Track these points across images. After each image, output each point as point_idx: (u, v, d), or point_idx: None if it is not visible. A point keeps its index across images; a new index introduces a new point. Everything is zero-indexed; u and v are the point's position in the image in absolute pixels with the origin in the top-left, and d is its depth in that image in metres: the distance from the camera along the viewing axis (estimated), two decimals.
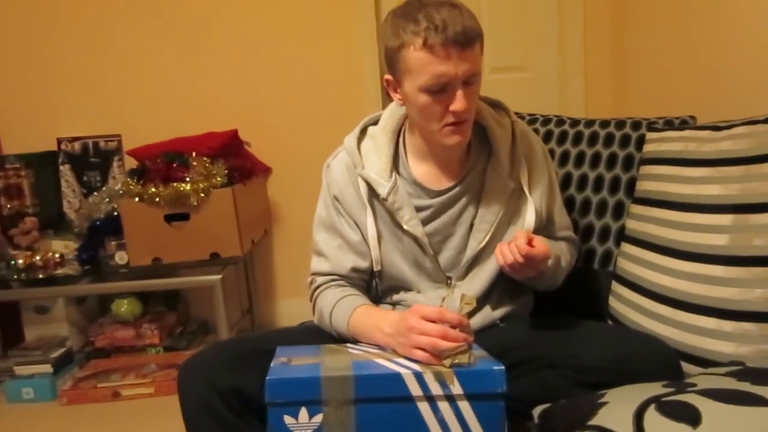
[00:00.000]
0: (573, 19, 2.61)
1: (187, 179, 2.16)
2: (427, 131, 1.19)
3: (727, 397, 0.78)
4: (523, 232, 1.11)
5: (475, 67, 1.10)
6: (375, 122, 1.31)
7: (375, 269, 1.25)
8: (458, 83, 1.09)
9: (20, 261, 2.31)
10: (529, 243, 1.09)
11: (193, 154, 2.22)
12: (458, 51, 1.06)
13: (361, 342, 1.17)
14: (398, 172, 1.24)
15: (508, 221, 1.23)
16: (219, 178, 2.18)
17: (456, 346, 0.97)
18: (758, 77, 1.53)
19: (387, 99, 1.26)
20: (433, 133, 1.17)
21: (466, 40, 1.06)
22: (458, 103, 1.09)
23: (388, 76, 1.19)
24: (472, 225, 1.23)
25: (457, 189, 1.23)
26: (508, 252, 1.09)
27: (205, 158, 2.21)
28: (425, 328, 1.00)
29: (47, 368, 2.27)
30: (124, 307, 2.46)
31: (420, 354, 1.00)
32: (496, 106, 1.31)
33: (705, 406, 0.77)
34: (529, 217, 1.23)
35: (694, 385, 0.85)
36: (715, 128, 1.19)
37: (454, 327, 1.00)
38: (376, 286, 1.29)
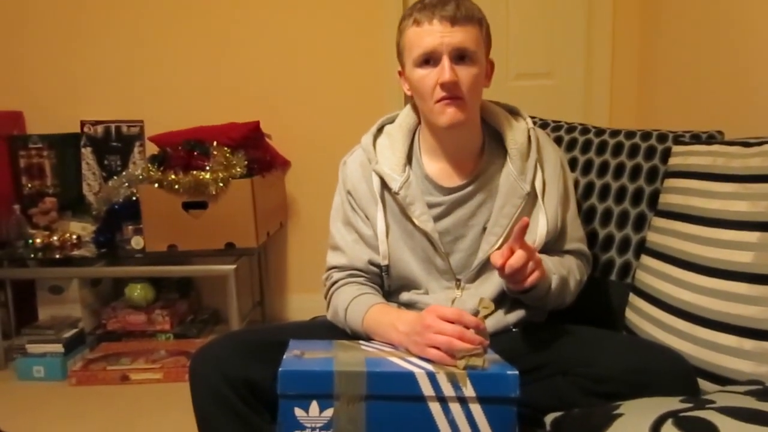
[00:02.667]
0: (601, 28, 2.59)
1: (207, 168, 2.17)
2: (427, 117, 1.21)
3: (746, 416, 0.76)
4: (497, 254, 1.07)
5: (465, 42, 1.12)
6: (392, 121, 1.33)
7: (383, 263, 1.25)
8: (444, 55, 1.12)
9: (38, 240, 2.34)
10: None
11: (214, 143, 2.23)
12: (445, 25, 1.11)
13: (374, 339, 1.16)
14: (411, 168, 1.25)
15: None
16: (238, 169, 2.19)
17: (471, 348, 0.97)
18: None
19: (408, 98, 1.28)
20: (429, 114, 1.19)
21: (455, 16, 1.11)
22: (444, 74, 1.11)
23: (399, 69, 1.24)
24: (485, 228, 1.22)
25: (469, 188, 1.23)
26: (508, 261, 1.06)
27: (225, 148, 2.22)
28: (442, 328, 1.00)
29: (59, 348, 2.30)
30: (137, 292, 2.48)
31: (434, 353, 0.99)
32: (513, 112, 1.31)
33: (724, 423, 0.75)
34: (541, 224, 1.22)
35: (713, 402, 0.83)
36: (745, 144, 1.17)
37: (469, 329, 1.00)
38: (387, 284, 1.29)
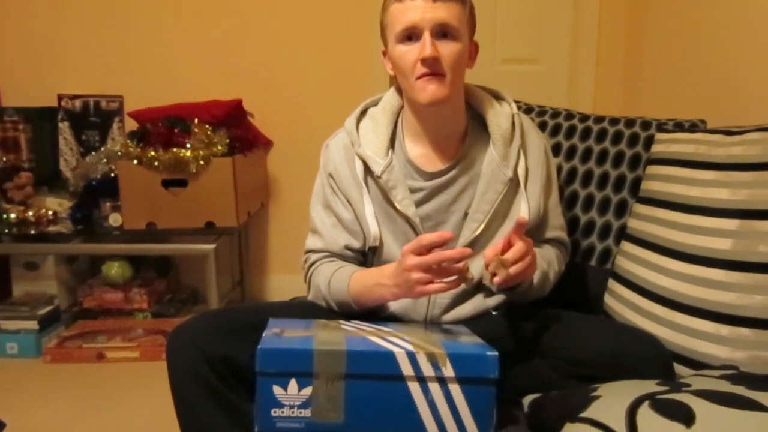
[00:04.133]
0: (588, 15, 2.59)
1: (188, 145, 2.14)
2: (409, 95, 1.20)
3: (722, 399, 0.77)
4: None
5: (447, 18, 1.12)
6: (376, 104, 1.32)
7: (372, 245, 1.24)
8: (426, 31, 1.11)
9: (12, 215, 2.29)
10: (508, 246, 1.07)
11: (196, 120, 2.20)
12: (427, 1, 1.11)
13: (365, 306, 1.18)
14: (394, 152, 1.24)
15: (504, 213, 1.22)
16: (220, 147, 2.16)
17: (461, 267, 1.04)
18: (766, 85, 1.52)
19: (392, 80, 1.26)
20: (410, 91, 1.18)
21: None
22: (426, 49, 1.11)
23: (383, 49, 1.24)
24: (466, 214, 1.22)
25: (451, 172, 1.22)
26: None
27: (207, 126, 2.18)
28: (423, 261, 1.03)
29: (33, 325, 2.26)
30: (114, 270, 2.45)
31: (437, 287, 1.04)
32: (497, 96, 1.30)
33: (699, 406, 0.76)
34: (523, 211, 1.22)
35: (689, 385, 0.85)
36: (727, 132, 1.18)
37: (440, 246, 1.05)
38: (370, 264, 1.28)
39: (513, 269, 1.03)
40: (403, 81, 1.19)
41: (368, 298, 1.17)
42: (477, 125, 1.26)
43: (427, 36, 1.11)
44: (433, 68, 1.12)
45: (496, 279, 1.03)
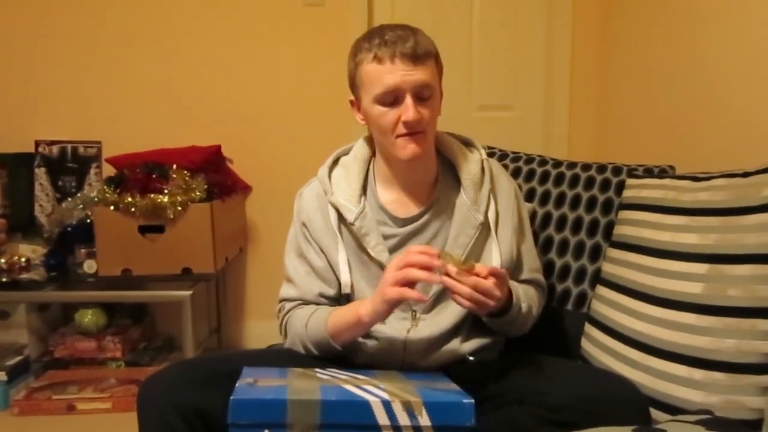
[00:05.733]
0: (560, 62, 2.67)
1: (166, 191, 2.13)
2: (386, 149, 1.22)
3: None
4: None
5: (426, 80, 1.14)
6: (347, 153, 1.34)
7: (344, 292, 1.24)
8: (407, 94, 1.13)
9: None
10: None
11: (174, 166, 2.19)
12: (407, 64, 1.12)
13: (343, 341, 1.18)
14: (366, 199, 1.25)
15: (476, 258, 1.23)
16: (198, 193, 2.15)
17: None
18: (731, 133, 1.57)
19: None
20: (389, 147, 1.19)
21: (415, 54, 1.12)
22: (408, 113, 1.13)
23: (351, 98, 1.25)
24: None
25: (423, 218, 1.24)
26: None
27: (185, 171, 2.18)
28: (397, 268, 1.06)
29: (2, 376, 2.19)
30: (87, 318, 2.39)
31: (410, 288, 1.06)
32: (467, 143, 1.33)
33: None
34: (494, 255, 1.23)
35: (664, 431, 0.84)
36: (695, 179, 1.21)
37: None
38: None
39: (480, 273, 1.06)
40: (381, 137, 1.20)
41: (347, 330, 1.17)
42: (447, 171, 1.28)
43: (409, 99, 1.13)
44: (414, 129, 1.15)
45: (444, 279, 1.05)
